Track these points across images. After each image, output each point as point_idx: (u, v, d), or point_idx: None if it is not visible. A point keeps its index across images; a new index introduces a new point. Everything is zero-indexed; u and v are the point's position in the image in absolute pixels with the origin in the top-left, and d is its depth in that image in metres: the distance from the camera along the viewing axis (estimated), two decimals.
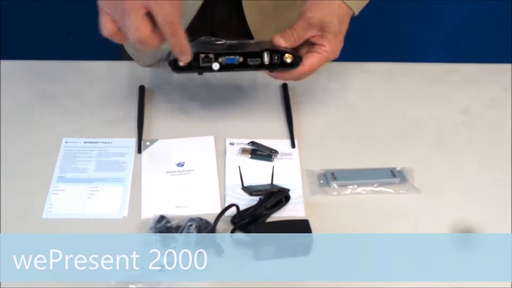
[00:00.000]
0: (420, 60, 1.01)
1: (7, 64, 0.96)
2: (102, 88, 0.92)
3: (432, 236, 0.73)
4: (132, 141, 0.84)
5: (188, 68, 0.75)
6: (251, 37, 0.91)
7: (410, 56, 1.17)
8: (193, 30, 0.84)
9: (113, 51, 1.03)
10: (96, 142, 0.83)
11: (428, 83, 0.97)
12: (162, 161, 0.81)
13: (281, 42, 0.77)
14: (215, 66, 0.76)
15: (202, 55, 0.75)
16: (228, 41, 0.78)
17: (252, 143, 0.84)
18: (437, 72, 0.99)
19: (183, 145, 0.84)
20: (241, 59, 0.76)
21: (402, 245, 0.72)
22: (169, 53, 0.78)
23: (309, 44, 0.79)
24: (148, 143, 0.84)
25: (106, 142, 0.83)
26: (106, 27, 0.68)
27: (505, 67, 1.00)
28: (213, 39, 0.77)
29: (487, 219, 0.75)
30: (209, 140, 0.85)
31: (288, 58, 0.77)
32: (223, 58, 0.76)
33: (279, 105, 0.91)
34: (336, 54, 0.79)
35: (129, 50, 0.96)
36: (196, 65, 0.75)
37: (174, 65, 0.75)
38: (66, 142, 0.83)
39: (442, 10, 1.85)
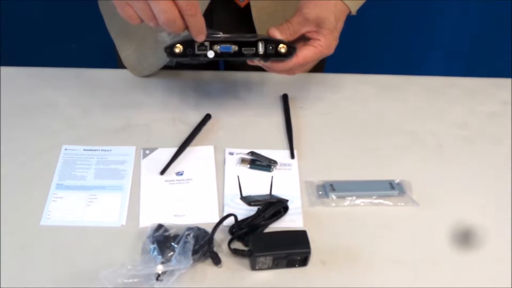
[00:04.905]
0: (421, 73, 1.02)
1: (8, 70, 0.96)
2: (103, 96, 0.93)
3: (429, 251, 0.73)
4: (132, 149, 0.84)
5: (184, 54, 0.77)
6: None
7: (411, 69, 1.17)
8: None
9: (114, 60, 1.03)
10: (95, 150, 0.84)
11: (428, 97, 0.97)
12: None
13: (277, 34, 0.78)
14: (210, 54, 0.77)
15: (197, 43, 0.76)
16: (225, 35, 0.79)
17: (252, 153, 0.84)
18: (437, 86, 0.99)
19: (182, 154, 0.84)
20: (236, 48, 0.77)
21: (400, 258, 0.72)
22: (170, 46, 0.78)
23: (304, 39, 0.80)
24: (147, 152, 0.84)
25: (105, 150, 0.84)
26: (133, 17, 0.71)
27: (504, 81, 1.00)
28: (209, 31, 0.78)
29: (486, 233, 0.75)
30: (209, 150, 0.85)
31: (282, 48, 0.78)
32: (218, 46, 0.77)
33: (279, 116, 0.91)
34: (331, 50, 0.81)
35: (128, 61, 0.96)
36: (192, 53, 0.77)
37: (170, 51, 0.77)
38: (66, 149, 0.83)
39: (443, 24, 1.86)
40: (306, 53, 0.79)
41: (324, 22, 0.78)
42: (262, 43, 0.78)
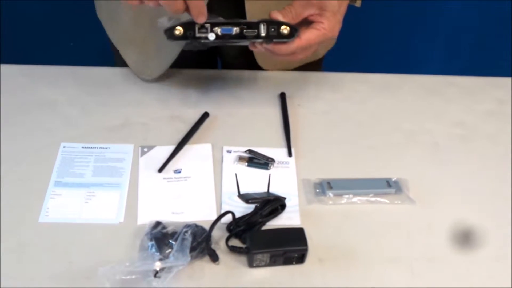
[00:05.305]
0: (419, 72, 1.02)
1: (7, 68, 0.96)
2: (102, 94, 0.93)
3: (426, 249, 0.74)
4: (130, 147, 0.84)
5: (184, 37, 0.75)
6: None
7: (409, 68, 1.18)
8: None
9: (112, 58, 1.03)
10: (93, 148, 0.84)
11: (425, 95, 0.97)
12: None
13: (279, 16, 0.77)
14: (211, 36, 0.76)
15: (198, 25, 0.75)
16: (227, 20, 0.78)
17: (249, 151, 0.84)
18: (434, 84, 1.00)
19: (180, 152, 0.84)
20: (237, 30, 0.76)
21: (397, 255, 0.72)
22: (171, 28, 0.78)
23: (307, 23, 0.79)
24: (145, 149, 0.84)
25: (103, 148, 0.84)
26: None
27: (501, 80, 1.01)
28: (210, 15, 0.76)
29: (482, 231, 0.76)
30: (207, 148, 0.85)
31: (284, 30, 0.76)
32: (220, 28, 0.76)
33: (277, 114, 0.91)
34: (334, 33, 0.80)
35: (135, 66, 0.95)
36: (192, 35, 0.76)
37: (170, 34, 0.76)
38: (64, 147, 0.84)
39: (442, 24, 1.86)
40: (309, 36, 0.78)
41: (327, 5, 0.77)
42: (264, 25, 0.76)
